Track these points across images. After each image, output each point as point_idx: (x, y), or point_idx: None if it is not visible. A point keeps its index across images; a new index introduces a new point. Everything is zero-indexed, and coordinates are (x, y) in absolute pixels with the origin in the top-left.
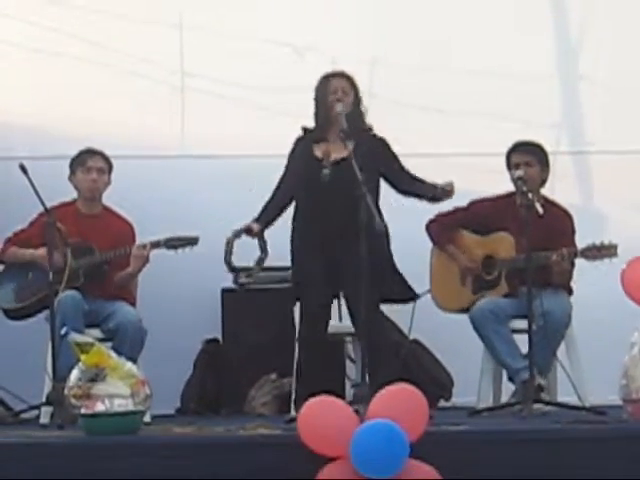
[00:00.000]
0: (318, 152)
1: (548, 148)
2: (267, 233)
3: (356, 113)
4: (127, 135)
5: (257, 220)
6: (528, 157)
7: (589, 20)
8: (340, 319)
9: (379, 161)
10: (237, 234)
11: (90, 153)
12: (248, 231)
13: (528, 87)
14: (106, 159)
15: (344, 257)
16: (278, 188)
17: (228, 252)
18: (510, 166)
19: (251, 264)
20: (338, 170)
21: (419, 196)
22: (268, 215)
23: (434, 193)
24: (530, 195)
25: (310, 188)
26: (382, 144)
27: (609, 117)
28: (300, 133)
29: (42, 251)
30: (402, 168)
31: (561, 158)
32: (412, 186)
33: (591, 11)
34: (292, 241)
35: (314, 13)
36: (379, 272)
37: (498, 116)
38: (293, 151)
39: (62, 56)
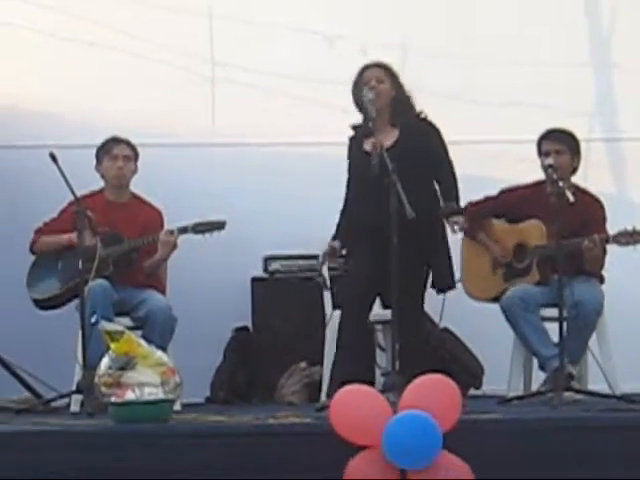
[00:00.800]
0: (367, 146)
1: (581, 136)
2: (297, 221)
3: (399, 99)
4: (157, 124)
5: (335, 238)
6: (558, 145)
7: (622, 8)
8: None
9: (430, 146)
10: (324, 260)
11: (116, 141)
12: (332, 253)
13: (561, 75)
14: (132, 147)
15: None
16: (346, 198)
17: (323, 281)
18: (540, 153)
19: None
20: (391, 158)
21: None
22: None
23: (444, 214)
24: (561, 183)
25: (364, 183)
26: (432, 129)
27: None
28: (337, 126)
29: (70, 235)
30: (446, 167)
31: (594, 146)
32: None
33: None
34: (346, 236)
35: (344, 1)
36: (433, 264)
37: (530, 104)
38: (348, 153)
39: (93, 45)
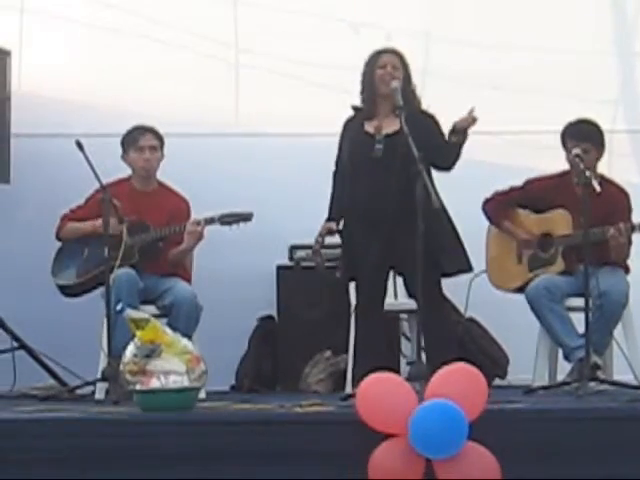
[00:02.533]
0: (369, 128)
1: (604, 125)
2: (323, 210)
3: (406, 90)
4: (182, 112)
5: (329, 219)
6: (584, 144)
7: None
8: (396, 296)
9: (430, 137)
10: (321, 241)
11: (141, 131)
12: (330, 233)
13: (585, 64)
14: (158, 135)
15: (400, 235)
16: (335, 178)
17: (320, 263)
18: (565, 146)
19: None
20: (391, 144)
21: (451, 153)
22: (337, 211)
23: (457, 135)
24: (587, 173)
25: (363, 165)
26: (432, 120)
27: None
28: (351, 114)
29: (95, 222)
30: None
31: (618, 136)
32: (450, 149)
33: None
34: (345, 221)
35: None
36: (437, 250)
37: (554, 92)
38: (343, 133)
39: (118, 32)
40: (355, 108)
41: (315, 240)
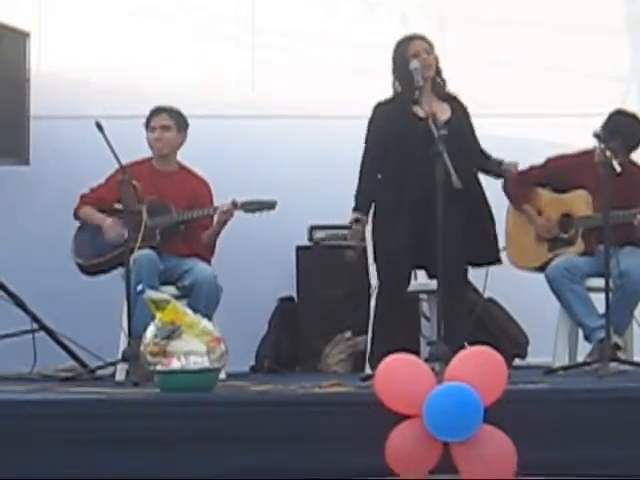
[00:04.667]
0: (420, 112)
1: (616, 104)
2: (342, 191)
3: (439, 73)
4: (200, 94)
5: (356, 209)
6: (610, 143)
7: None
8: (415, 277)
9: (470, 123)
10: (356, 234)
11: (155, 111)
12: (357, 222)
13: (600, 42)
14: (173, 115)
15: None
16: (364, 167)
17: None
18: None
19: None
20: (448, 131)
21: (485, 171)
22: (366, 200)
23: (498, 170)
24: (608, 153)
25: (409, 150)
26: (466, 111)
27: None
28: (377, 97)
29: (111, 222)
30: (476, 140)
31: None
32: (482, 162)
33: None
34: (380, 203)
35: None
36: (474, 237)
37: (570, 71)
38: (373, 119)
39: (136, 14)
40: (396, 94)
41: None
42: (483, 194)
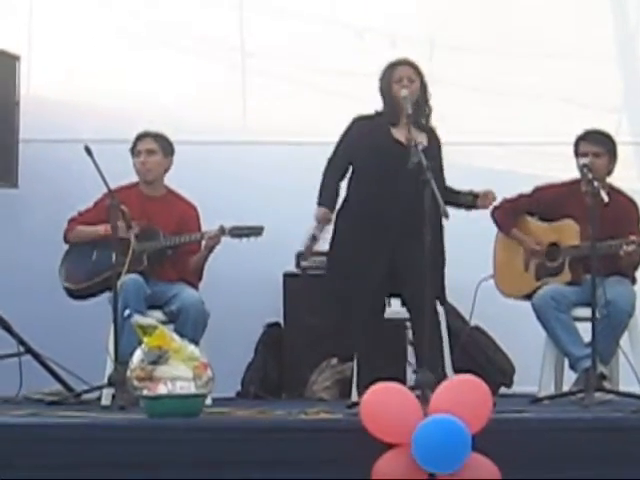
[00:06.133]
0: (399, 136)
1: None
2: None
3: (423, 101)
4: (189, 119)
5: (320, 204)
6: (597, 147)
7: None
8: (389, 305)
9: (440, 154)
10: (320, 231)
11: (141, 136)
12: (326, 221)
13: (591, 71)
14: (158, 140)
15: (406, 247)
16: (329, 166)
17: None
18: (577, 154)
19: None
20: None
21: (456, 204)
22: (333, 197)
23: (472, 202)
24: (596, 183)
25: (391, 171)
26: (439, 146)
27: None
28: (360, 112)
29: (106, 226)
30: (443, 177)
31: (622, 147)
32: (448, 196)
33: None
34: (345, 221)
35: None
36: (442, 259)
37: (557, 99)
38: (351, 130)
39: (127, 38)
40: (378, 113)
41: (313, 233)
42: (441, 229)
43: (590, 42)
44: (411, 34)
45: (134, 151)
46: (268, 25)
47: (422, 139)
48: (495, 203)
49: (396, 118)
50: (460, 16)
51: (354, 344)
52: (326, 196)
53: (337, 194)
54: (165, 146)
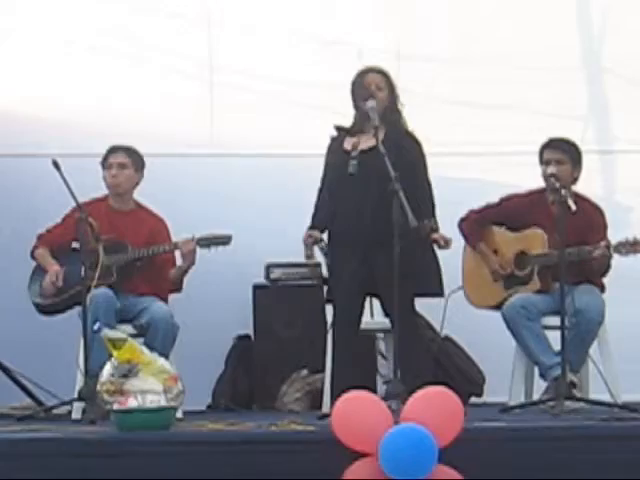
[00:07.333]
0: (347, 145)
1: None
2: (298, 229)
3: (391, 109)
4: (157, 132)
5: (312, 228)
6: (559, 155)
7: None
8: (372, 315)
9: (409, 159)
10: (310, 252)
11: (112, 149)
12: (315, 242)
13: (557, 81)
14: (131, 154)
15: (377, 255)
16: (320, 193)
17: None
18: (542, 162)
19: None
20: (366, 159)
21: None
22: (321, 219)
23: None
24: (563, 192)
25: (341, 182)
26: (416, 145)
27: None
28: (333, 132)
29: (54, 271)
30: (421, 183)
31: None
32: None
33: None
34: (330, 240)
35: (341, 6)
36: (412, 269)
37: (524, 110)
38: (329, 149)
39: (93, 52)
40: (338, 128)
41: (306, 255)
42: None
43: (556, 52)
44: (378, 45)
45: (105, 164)
46: (235, 39)
47: (372, 141)
48: (462, 214)
49: (360, 127)
50: (427, 28)
51: (332, 355)
52: (313, 217)
53: (327, 213)
54: (137, 160)
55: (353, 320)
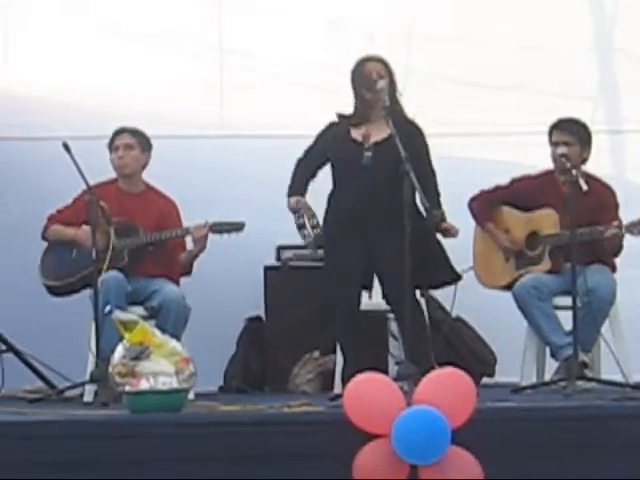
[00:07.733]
0: (357, 135)
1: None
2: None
3: (391, 97)
4: (167, 114)
5: (289, 196)
6: (567, 137)
7: None
8: (370, 297)
9: (413, 152)
10: (301, 218)
11: (118, 132)
12: (300, 207)
13: (567, 61)
14: (137, 135)
15: (384, 240)
16: (299, 164)
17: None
18: (551, 142)
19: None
20: (380, 151)
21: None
22: (302, 185)
23: (438, 228)
24: (574, 172)
25: (351, 172)
26: (419, 133)
27: None
28: (334, 118)
29: (83, 231)
30: (426, 170)
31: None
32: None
33: None
34: (328, 223)
35: None
36: (420, 257)
37: (535, 90)
38: (324, 133)
39: (103, 34)
40: (340, 116)
41: (297, 224)
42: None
43: (566, 32)
44: (388, 26)
45: (111, 146)
46: (245, 21)
47: (385, 132)
48: (469, 195)
49: (364, 115)
50: (436, 8)
51: (336, 337)
52: (292, 186)
53: (306, 183)
54: (143, 141)
55: (352, 303)
